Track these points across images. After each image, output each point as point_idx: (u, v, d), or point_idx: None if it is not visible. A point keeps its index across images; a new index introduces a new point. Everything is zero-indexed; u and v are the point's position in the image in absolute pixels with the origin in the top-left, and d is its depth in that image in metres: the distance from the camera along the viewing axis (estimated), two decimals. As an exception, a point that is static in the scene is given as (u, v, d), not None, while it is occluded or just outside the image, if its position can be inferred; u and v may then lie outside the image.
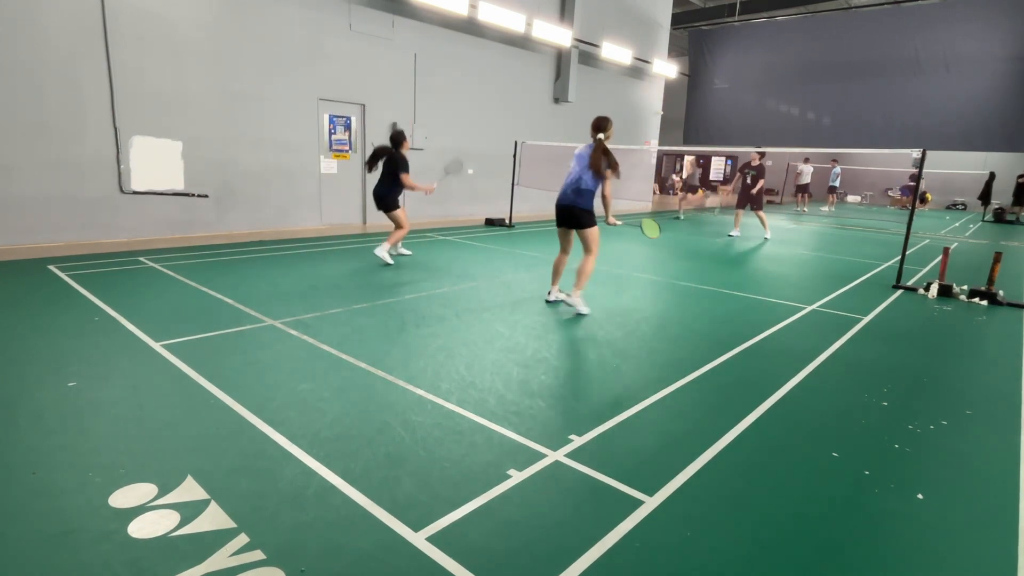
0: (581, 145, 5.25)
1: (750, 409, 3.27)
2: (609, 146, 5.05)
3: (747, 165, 11.00)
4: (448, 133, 11.72)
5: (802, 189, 19.87)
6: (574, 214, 5.08)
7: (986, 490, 2.58)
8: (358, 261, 7.10)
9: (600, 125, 5.09)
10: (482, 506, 2.25)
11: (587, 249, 5.14)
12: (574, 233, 5.25)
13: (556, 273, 5.45)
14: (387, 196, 6.93)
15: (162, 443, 2.62)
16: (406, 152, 6.94)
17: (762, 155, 10.93)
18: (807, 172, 19.65)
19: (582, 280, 5.12)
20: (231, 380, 3.34)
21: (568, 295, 5.19)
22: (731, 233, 11.77)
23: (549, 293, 5.51)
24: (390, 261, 6.95)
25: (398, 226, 7.05)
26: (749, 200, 11.11)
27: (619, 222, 5.41)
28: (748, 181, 11.03)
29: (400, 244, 7.48)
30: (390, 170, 6.87)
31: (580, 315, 5.07)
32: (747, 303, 5.85)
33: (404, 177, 6.79)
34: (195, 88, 8.07)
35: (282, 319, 4.56)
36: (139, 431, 2.73)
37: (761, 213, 11.18)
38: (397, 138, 6.91)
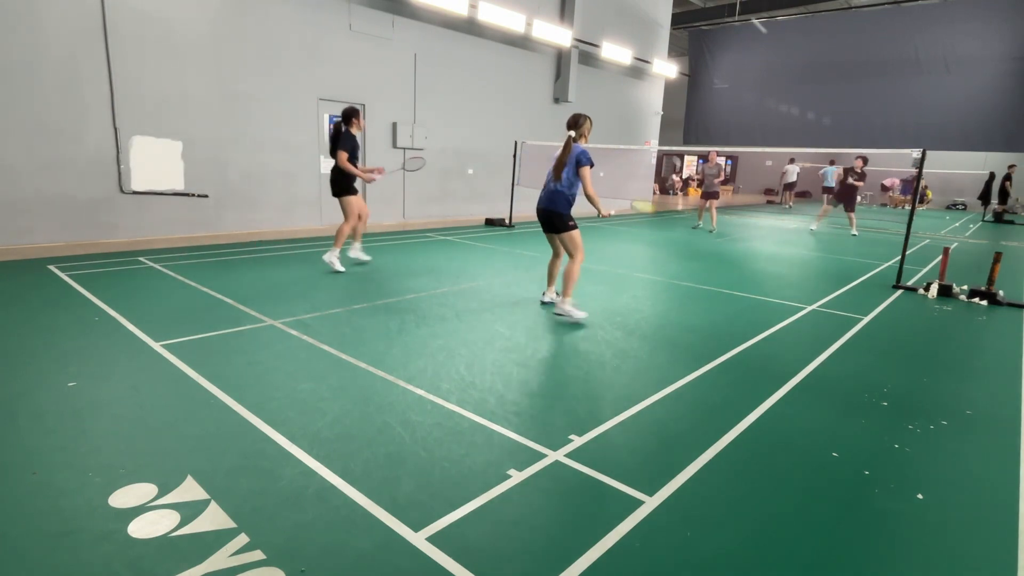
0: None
1: (750, 409, 3.27)
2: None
3: (851, 170, 12.19)
4: (448, 133, 11.72)
5: (788, 187, 21.89)
6: (549, 218, 4.94)
7: (986, 490, 2.58)
8: (358, 261, 7.09)
9: (572, 122, 4.86)
10: (482, 506, 2.25)
11: (568, 253, 4.98)
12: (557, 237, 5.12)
13: (550, 275, 5.44)
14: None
15: (162, 443, 2.62)
16: (355, 131, 6.33)
17: (865, 161, 11.90)
18: (793, 171, 21.34)
19: (568, 286, 4.87)
20: (231, 380, 3.34)
21: (558, 303, 4.96)
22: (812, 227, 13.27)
23: (544, 294, 5.49)
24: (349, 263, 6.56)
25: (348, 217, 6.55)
26: (844, 199, 12.41)
27: (612, 211, 5.16)
28: (849, 181, 12.23)
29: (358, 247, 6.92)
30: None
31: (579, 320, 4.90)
32: (747, 303, 5.85)
33: (340, 155, 6.20)
34: (195, 88, 8.06)
35: (282, 319, 4.56)
36: (139, 431, 2.73)
37: (851, 214, 12.48)
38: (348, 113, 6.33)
